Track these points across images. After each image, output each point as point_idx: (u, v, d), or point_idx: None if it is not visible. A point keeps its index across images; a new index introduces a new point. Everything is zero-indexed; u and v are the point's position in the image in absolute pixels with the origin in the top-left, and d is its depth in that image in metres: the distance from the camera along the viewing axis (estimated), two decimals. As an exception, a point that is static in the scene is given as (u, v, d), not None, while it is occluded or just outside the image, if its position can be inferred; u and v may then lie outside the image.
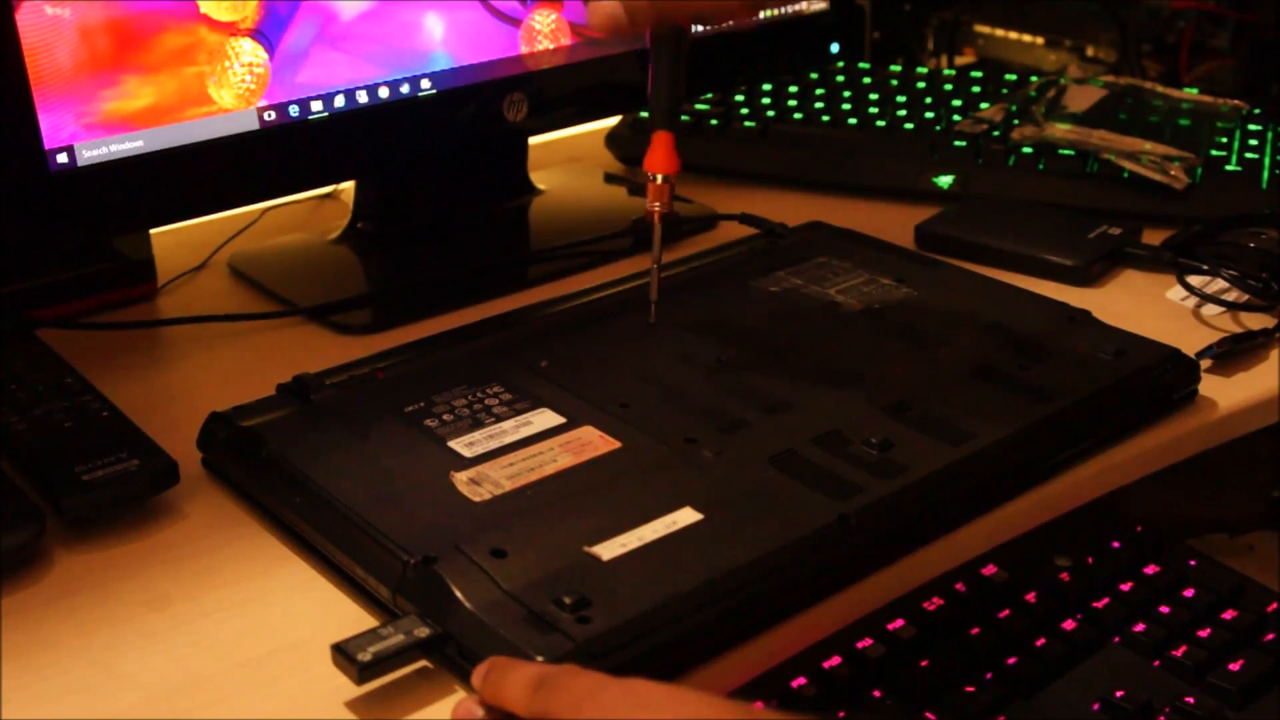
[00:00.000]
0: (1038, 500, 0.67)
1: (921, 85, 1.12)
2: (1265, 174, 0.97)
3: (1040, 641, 0.65)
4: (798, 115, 1.08)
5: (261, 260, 0.93)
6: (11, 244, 0.78)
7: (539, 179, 1.03)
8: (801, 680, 0.61)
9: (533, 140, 1.01)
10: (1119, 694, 0.62)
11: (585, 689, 0.48)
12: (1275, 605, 0.69)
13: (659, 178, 0.73)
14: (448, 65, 0.88)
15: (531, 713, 0.48)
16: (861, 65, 1.16)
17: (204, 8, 0.77)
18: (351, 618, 0.58)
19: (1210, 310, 0.84)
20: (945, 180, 1.02)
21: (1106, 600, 0.68)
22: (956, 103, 1.10)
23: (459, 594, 0.54)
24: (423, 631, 0.54)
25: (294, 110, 0.82)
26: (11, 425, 0.67)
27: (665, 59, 0.71)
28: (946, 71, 1.16)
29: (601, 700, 0.47)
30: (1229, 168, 0.99)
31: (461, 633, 0.54)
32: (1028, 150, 1.01)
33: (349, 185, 0.99)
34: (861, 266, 0.85)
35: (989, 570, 0.69)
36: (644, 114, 0.75)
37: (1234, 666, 0.64)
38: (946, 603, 0.66)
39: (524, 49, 0.91)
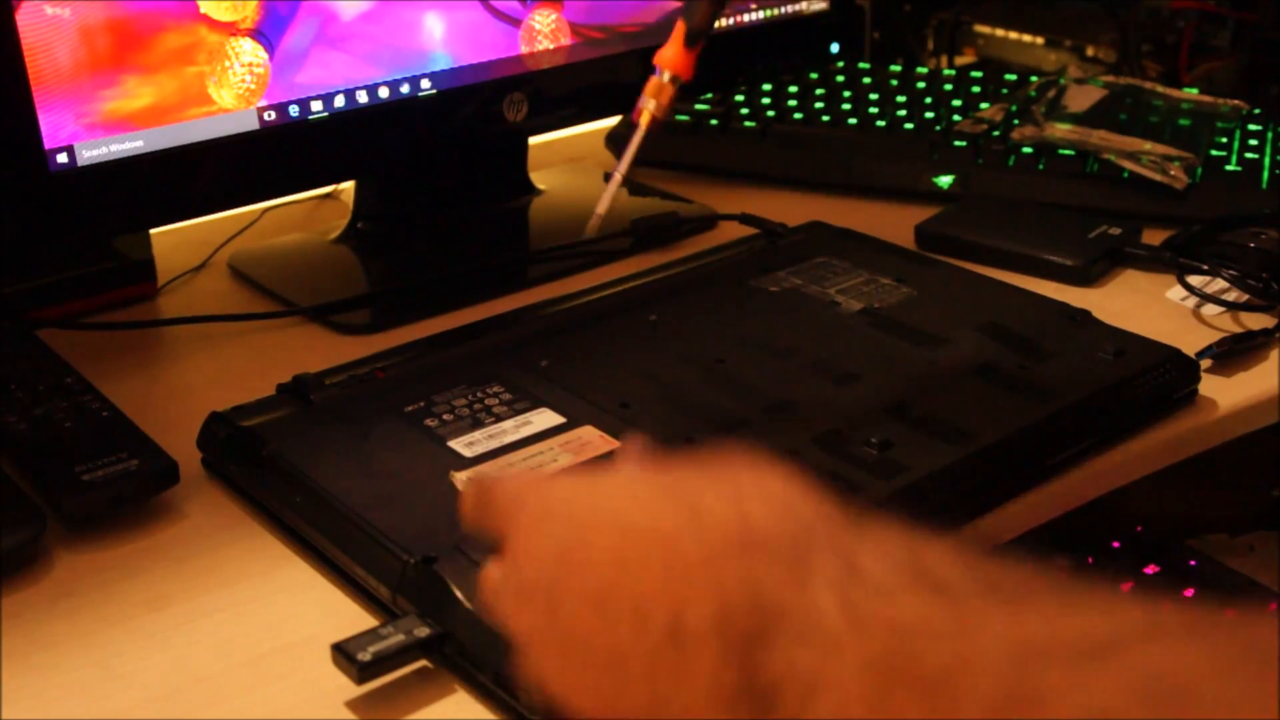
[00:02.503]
0: (1038, 500, 0.67)
1: (921, 85, 1.12)
2: (1265, 174, 0.97)
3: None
4: (798, 115, 1.08)
5: (261, 260, 0.93)
6: (12, 244, 0.78)
7: (539, 179, 1.03)
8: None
9: (533, 140, 1.01)
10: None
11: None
12: (1275, 605, 0.69)
13: (666, 75, 0.66)
14: (448, 65, 0.88)
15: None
16: (861, 65, 1.16)
17: (204, 8, 0.77)
18: (351, 618, 0.58)
19: (1210, 310, 0.84)
20: (945, 180, 1.02)
21: (1106, 600, 0.68)
22: (956, 103, 1.10)
23: (459, 594, 0.54)
24: (423, 631, 0.54)
25: (294, 110, 0.82)
26: (11, 425, 0.67)
27: None
28: (946, 71, 1.16)
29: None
30: (1229, 168, 0.99)
31: (461, 633, 0.54)
32: (1028, 150, 1.01)
33: (349, 185, 0.99)
34: (861, 266, 0.85)
35: (989, 570, 0.68)
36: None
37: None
38: (946, 603, 0.66)
39: (524, 49, 0.91)
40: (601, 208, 0.68)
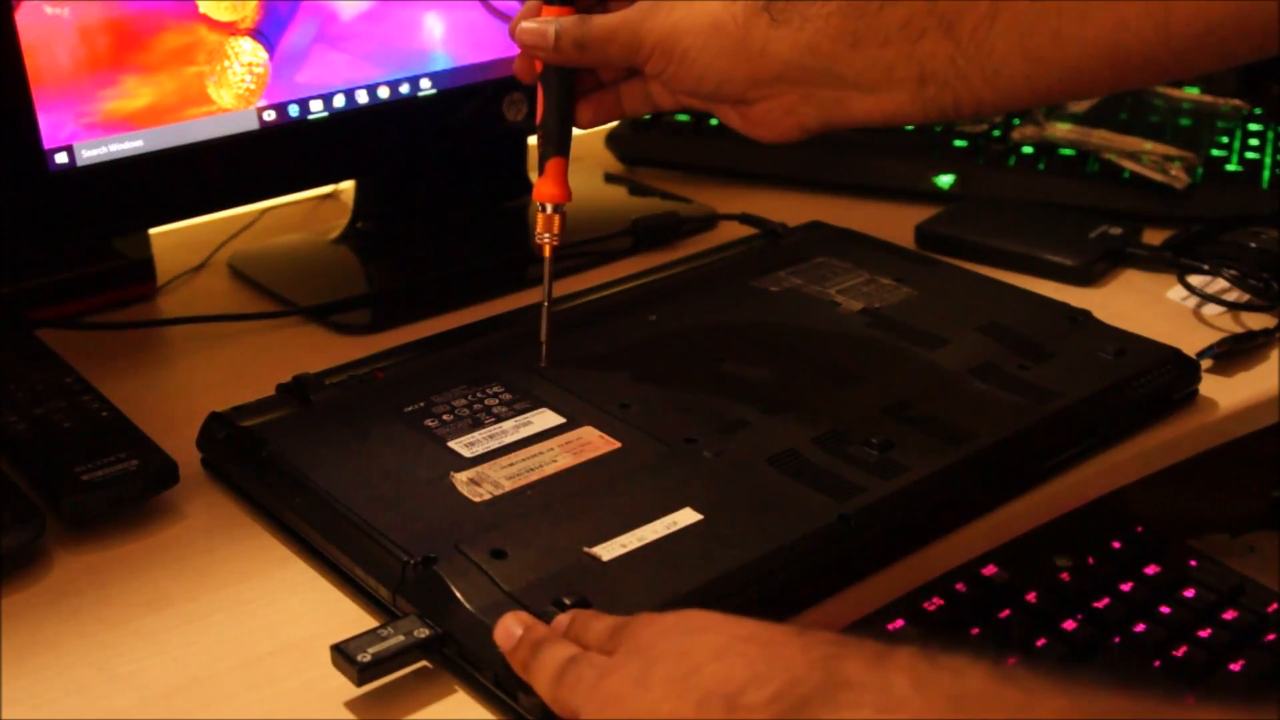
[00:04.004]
0: (1038, 500, 0.67)
1: (921, 85, 1.12)
2: (1265, 174, 0.97)
3: (1040, 641, 0.65)
4: (798, 115, 1.08)
5: (261, 260, 0.93)
6: (12, 244, 0.78)
7: (539, 179, 1.03)
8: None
9: (532, 140, 1.01)
10: (1119, 694, 0.62)
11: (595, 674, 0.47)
12: (1275, 605, 0.69)
13: (549, 207, 0.70)
14: (448, 65, 0.88)
15: (556, 703, 0.49)
16: (861, 65, 1.16)
17: (204, 8, 0.77)
18: (351, 618, 0.58)
19: (1210, 310, 0.84)
20: (945, 180, 1.02)
21: (1106, 600, 0.68)
22: (956, 103, 1.09)
23: (459, 594, 0.54)
24: (422, 632, 0.54)
25: (294, 110, 0.82)
26: (11, 425, 0.67)
27: (556, 84, 0.69)
28: (946, 71, 1.16)
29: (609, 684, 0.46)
30: (1229, 168, 0.99)
31: (461, 633, 0.54)
32: (1028, 150, 1.01)
33: (349, 185, 0.99)
34: (861, 266, 0.85)
35: (989, 570, 0.68)
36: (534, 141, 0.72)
37: (1234, 666, 0.64)
38: (946, 603, 0.66)
39: (524, 49, 0.91)
40: (544, 334, 0.72)
